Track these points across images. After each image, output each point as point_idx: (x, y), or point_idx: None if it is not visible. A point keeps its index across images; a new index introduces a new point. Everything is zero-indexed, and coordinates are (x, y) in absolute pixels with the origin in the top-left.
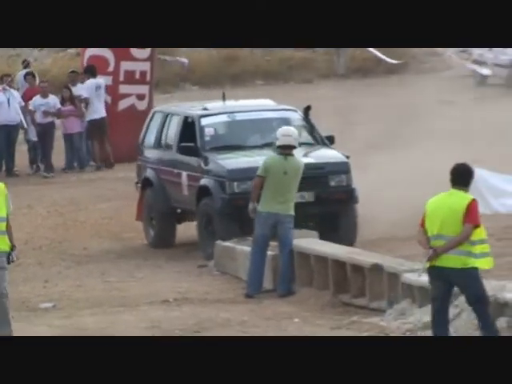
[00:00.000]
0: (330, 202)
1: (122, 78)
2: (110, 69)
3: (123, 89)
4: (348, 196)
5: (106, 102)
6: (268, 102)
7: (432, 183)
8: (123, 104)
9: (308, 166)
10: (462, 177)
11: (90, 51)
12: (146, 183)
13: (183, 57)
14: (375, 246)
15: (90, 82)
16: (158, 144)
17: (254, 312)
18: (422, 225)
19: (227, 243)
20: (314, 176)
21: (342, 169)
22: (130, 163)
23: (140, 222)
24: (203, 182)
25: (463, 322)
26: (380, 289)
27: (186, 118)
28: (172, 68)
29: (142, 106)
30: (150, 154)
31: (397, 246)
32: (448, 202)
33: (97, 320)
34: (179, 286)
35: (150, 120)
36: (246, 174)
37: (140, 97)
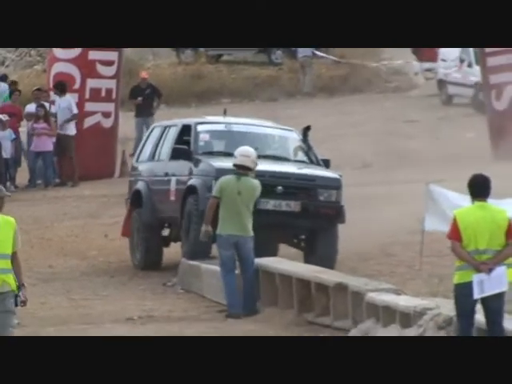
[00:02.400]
0: (316, 216)
1: (87, 96)
2: (76, 86)
3: (89, 106)
4: (336, 212)
5: None
6: (269, 123)
7: (393, 203)
8: (89, 121)
9: (298, 177)
10: (483, 188)
11: (57, 68)
12: (135, 196)
13: (147, 74)
14: (338, 264)
15: (69, 98)
16: (153, 157)
17: (218, 330)
18: (457, 239)
19: (192, 262)
20: (303, 187)
21: (333, 184)
22: (95, 181)
23: (106, 241)
24: (191, 181)
25: None
26: (344, 308)
27: (184, 126)
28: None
29: (107, 123)
30: (144, 167)
31: (360, 264)
32: (489, 216)
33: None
34: (144, 304)
35: (148, 135)
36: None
37: (106, 114)
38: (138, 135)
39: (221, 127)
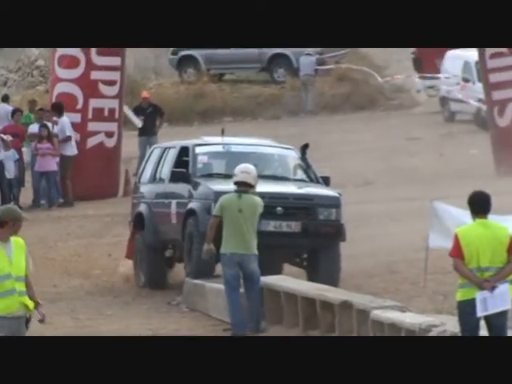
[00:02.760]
0: (316, 235)
1: (90, 116)
2: (79, 106)
3: (92, 126)
4: (336, 231)
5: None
6: (268, 142)
7: (396, 220)
8: (92, 141)
9: (297, 196)
10: (483, 205)
11: (59, 88)
12: (138, 219)
13: (151, 94)
14: (343, 282)
15: (65, 119)
16: (154, 179)
17: None
18: (459, 256)
19: (197, 281)
20: (303, 207)
21: (332, 203)
22: (98, 200)
23: (110, 261)
24: (190, 205)
25: None
26: (349, 325)
27: (182, 148)
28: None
29: (110, 143)
30: (145, 189)
31: (364, 282)
32: (490, 233)
33: None
34: (148, 323)
35: (149, 156)
36: None
37: (109, 134)
38: (142, 154)
39: (219, 148)
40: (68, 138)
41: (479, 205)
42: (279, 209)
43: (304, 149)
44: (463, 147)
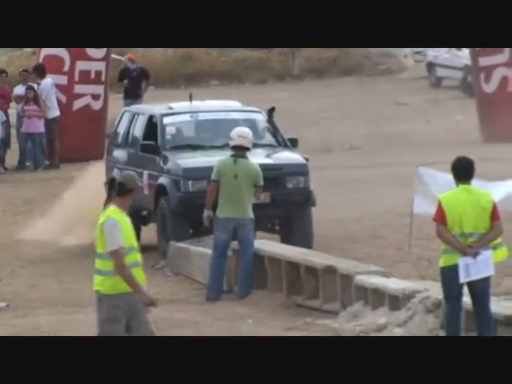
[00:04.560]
0: (286, 204)
1: (77, 78)
2: (66, 68)
3: (78, 88)
4: (305, 198)
5: (60, 102)
6: (235, 104)
7: (382, 185)
8: (78, 104)
9: (265, 167)
10: (466, 171)
11: (46, 50)
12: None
13: (138, 56)
14: (327, 247)
15: (48, 81)
16: (125, 144)
17: (207, 313)
18: (442, 222)
19: (181, 244)
20: (271, 177)
21: (300, 170)
22: (83, 162)
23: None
24: (161, 180)
25: (416, 324)
26: (333, 291)
27: (151, 116)
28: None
29: (97, 105)
30: (117, 153)
31: (349, 247)
32: (474, 199)
33: (51, 320)
34: None
35: (119, 120)
36: (202, 173)
37: (95, 97)
38: None
39: (186, 117)
40: (44, 101)
41: (462, 170)
42: None
43: (271, 112)
44: (449, 113)
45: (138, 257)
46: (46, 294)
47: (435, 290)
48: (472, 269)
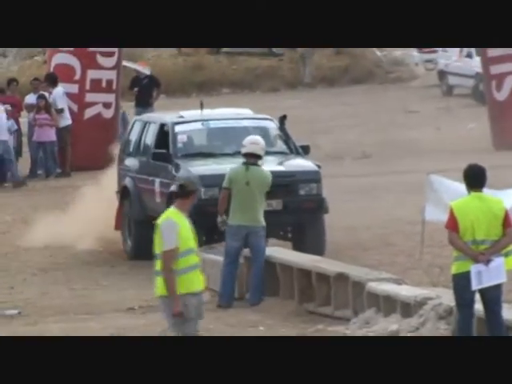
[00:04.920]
0: (298, 211)
1: (88, 87)
2: (77, 77)
3: (89, 97)
4: (317, 205)
5: (71, 110)
6: (246, 111)
7: (393, 193)
8: (89, 112)
9: (277, 174)
10: (478, 178)
11: (57, 59)
12: (124, 192)
13: (149, 65)
14: (339, 254)
15: (59, 90)
16: (136, 152)
17: (219, 320)
18: (454, 229)
19: None
20: (283, 184)
21: (313, 177)
22: (95, 171)
23: (107, 230)
24: (173, 188)
25: (428, 331)
26: (345, 298)
27: (162, 125)
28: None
29: (108, 114)
30: (129, 162)
31: (360, 254)
32: (485, 206)
33: (62, 327)
34: (144, 294)
35: (131, 128)
36: (214, 180)
37: (106, 105)
38: None
39: (198, 125)
40: (60, 110)
41: (474, 178)
42: None
43: (282, 119)
44: (461, 121)
45: (196, 259)
46: (57, 302)
47: (447, 297)
48: (484, 276)
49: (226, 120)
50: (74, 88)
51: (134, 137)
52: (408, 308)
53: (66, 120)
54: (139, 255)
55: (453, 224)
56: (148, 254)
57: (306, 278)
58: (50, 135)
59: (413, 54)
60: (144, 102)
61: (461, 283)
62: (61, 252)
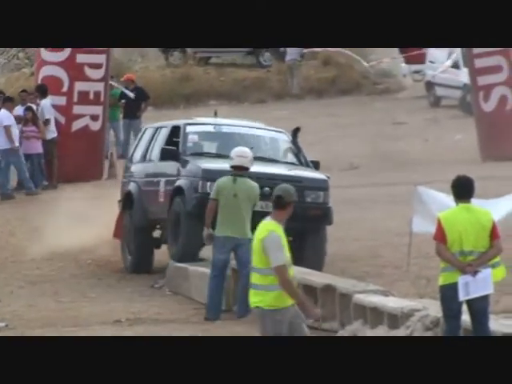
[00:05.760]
0: (303, 218)
1: (75, 99)
2: (64, 89)
3: (77, 109)
4: (323, 214)
5: (59, 123)
6: (259, 124)
7: (381, 204)
8: (77, 125)
9: (285, 178)
10: (466, 189)
11: (45, 71)
12: (127, 198)
13: (137, 77)
14: (327, 265)
15: (47, 101)
16: (144, 158)
17: (207, 332)
18: (442, 241)
19: (180, 264)
20: None
21: (320, 185)
22: (83, 183)
23: (94, 244)
24: (178, 182)
25: None
26: (332, 309)
27: (174, 127)
28: None
29: (95, 126)
30: (135, 168)
31: (348, 265)
32: (473, 217)
33: None
34: (131, 306)
35: (141, 137)
36: (221, 175)
37: (94, 117)
38: (125, 137)
39: (210, 128)
40: (47, 122)
41: (462, 189)
42: (266, 189)
43: (295, 132)
44: (448, 132)
45: (292, 272)
46: (44, 314)
47: (434, 309)
48: (471, 287)
49: (239, 127)
50: (61, 100)
51: (143, 144)
52: (395, 319)
53: (52, 133)
54: (139, 269)
55: (440, 235)
56: (148, 267)
57: None
58: (37, 147)
59: (400, 64)
60: (131, 114)
61: (448, 294)
62: (48, 264)
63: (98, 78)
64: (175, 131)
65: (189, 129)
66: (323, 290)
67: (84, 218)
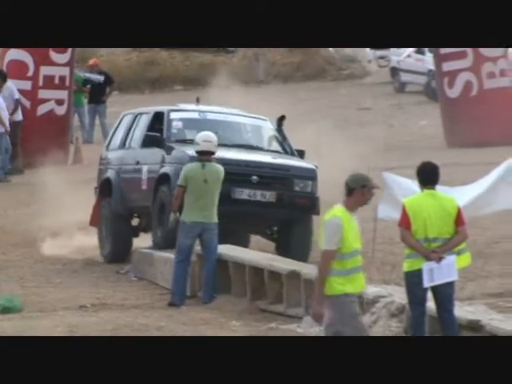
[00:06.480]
0: (291, 206)
1: (41, 83)
2: (30, 73)
3: (42, 94)
4: (310, 203)
5: (24, 107)
6: (242, 112)
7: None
8: (42, 109)
9: (273, 166)
10: (431, 176)
11: (10, 55)
12: (105, 185)
13: (102, 61)
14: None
15: (11, 85)
16: (123, 145)
17: (171, 318)
18: (407, 227)
19: (145, 249)
20: (279, 177)
21: (309, 175)
22: (48, 168)
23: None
24: (163, 169)
25: (381, 329)
26: (297, 296)
27: (157, 113)
28: None
29: (61, 111)
30: (114, 155)
31: (313, 252)
32: (438, 204)
33: (14, 325)
34: (97, 292)
35: (119, 123)
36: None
37: (59, 102)
38: (90, 121)
39: (194, 115)
40: (17, 102)
41: (427, 175)
42: (254, 177)
43: (280, 120)
44: (413, 118)
45: (360, 261)
46: None
47: (399, 295)
48: (436, 274)
49: (223, 114)
50: (27, 84)
51: (121, 131)
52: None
53: (19, 115)
54: (117, 258)
55: (405, 221)
56: (125, 256)
57: (258, 275)
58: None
59: (365, 50)
60: (97, 99)
61: (413, 281)
62: (14, 250)
63: (64, 63)
64: (158, 118)
65: (173, 115)
66: (288, 276)
67: (55, 204)
